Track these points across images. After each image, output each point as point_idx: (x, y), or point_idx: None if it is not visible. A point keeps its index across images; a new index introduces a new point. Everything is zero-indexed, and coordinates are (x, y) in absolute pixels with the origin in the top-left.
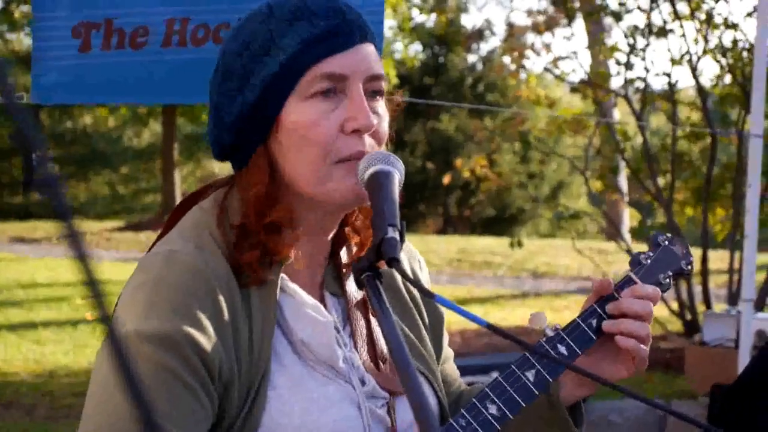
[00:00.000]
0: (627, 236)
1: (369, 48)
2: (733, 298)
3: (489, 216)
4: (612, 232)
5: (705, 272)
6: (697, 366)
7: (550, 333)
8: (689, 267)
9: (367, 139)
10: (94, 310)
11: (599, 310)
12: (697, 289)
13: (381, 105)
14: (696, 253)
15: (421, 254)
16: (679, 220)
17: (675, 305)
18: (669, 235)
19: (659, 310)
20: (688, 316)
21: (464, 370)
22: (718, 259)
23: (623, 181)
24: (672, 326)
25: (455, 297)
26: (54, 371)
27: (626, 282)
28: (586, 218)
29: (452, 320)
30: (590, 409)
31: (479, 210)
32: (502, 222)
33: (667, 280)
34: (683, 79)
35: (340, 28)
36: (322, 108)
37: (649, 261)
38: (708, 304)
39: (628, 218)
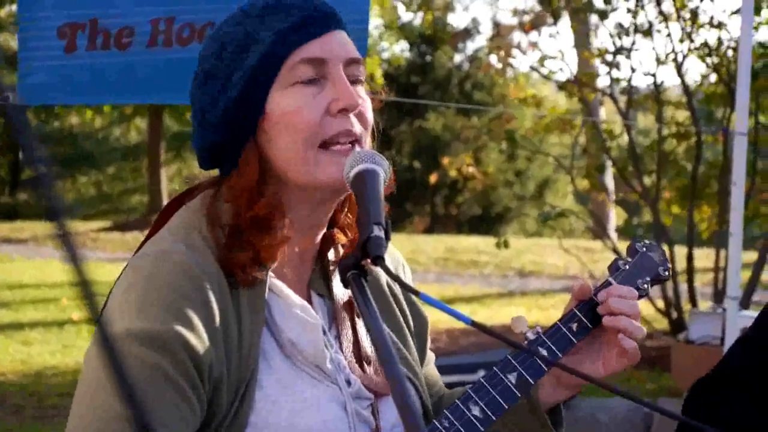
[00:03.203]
0: (613, 235)
1: (343, 34)
2: (718, 296)
3: (476, 215)
4: (598, 230)
5: (690, 270)
6: (683, 364)
7: (532, 336)
8: (666, 273)
9: (354, 120)
10: (85, 311)
11: (579, 314)
12: (683, 287)
13: (362, 90)
14: (682, 251)
15: (409, 253)
16: (665, 218)
17: (661, 303)
18: (647, 242)
19: (645, 309)
20: (674, 315)
21: (451, 369)
22: (704, 257)
23: (609, 180)
24: (658, 324)
25: (442, 296)
26: (41, 371)
27: (605, 286)
28: (573, 217)
29: (439, 319)
30: (577, 407)
31: (466, 209)
32: (488, 221)
33: (645, 285)
34: (669, 78)
35: (313, 16)
36: (305, 93)
37: (627, 267)
38: (694, 302)
39: (615, 217)
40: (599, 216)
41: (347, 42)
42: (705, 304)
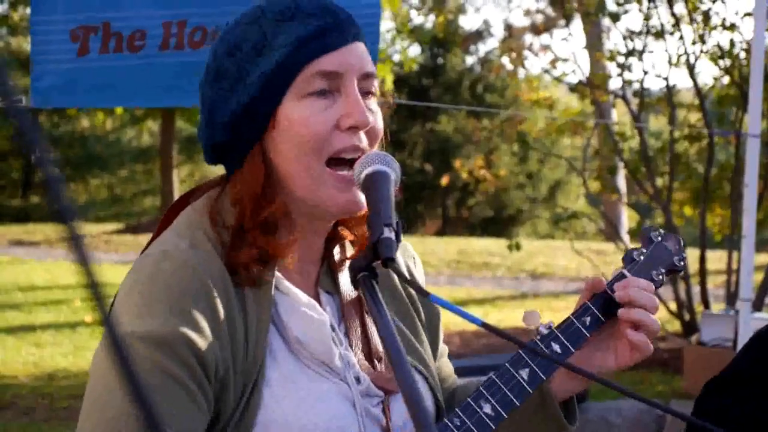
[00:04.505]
0: (625, 237)
1: (361, 47)
2: (731, 298)
3: (487, 217)
4: (610, 232)
5: (703, 272)
6: (695, 366)
7: (544, 331)
8: (682, 263)
9: (363, 136)
10: (95, 313)
11: (593, 307)
12: (696, 289)
13: (374, 103)
14: (694, 253)
15: (420, 255)
16: (678, 220)
17: (673, 305)
18: (662, 231)
19: (658, 311)
20: (687, 317)
21: (463, 371)
22: (717, 259)
23: (622, 182)
24: (670, 326)
25: (454, 298)
26: (53, 374)
27: (618, 278)
28: (585, 219)
29: (451, 321)
30: (588, 409)
31: (478, 211)
32: (500, 223)
33: (660, 276)
34: (681, 81)
35: (332, 27)
36: (317, 106)
37: (642, 257)
38: (706, 304)
39: (627, 219)
40: (611, 218)
41: (364, 55)
42: (718, 307)
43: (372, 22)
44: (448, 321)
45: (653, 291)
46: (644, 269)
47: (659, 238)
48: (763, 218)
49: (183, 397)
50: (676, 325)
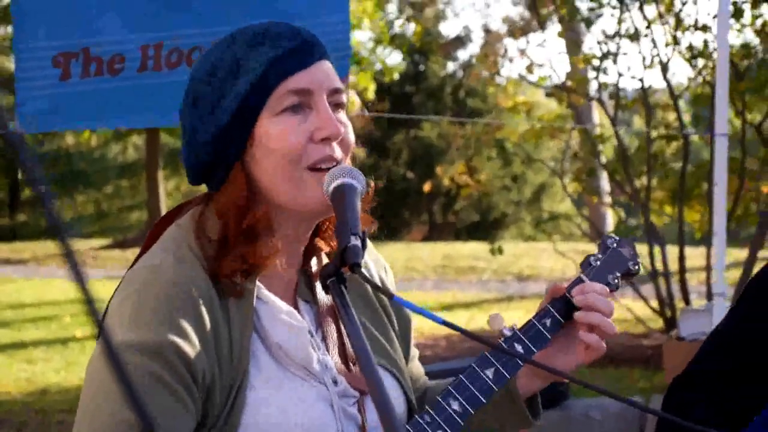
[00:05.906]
0: None
1: (327, 64)
2: (711, 293)
3: (473, 221)
4: (594, 233)
5: (682, 270)
6: (675, 361)
7: (508, 333)
8: (636, 267)
9: (336, 146)
10: (90, 324)
11: (552, 310)
12: (677, 286)
13: (344, 116)
14: (674, 250)
15: (407, 261)
16: (658, 219)
17: (655, 303)
18: (617, 238)
19: (640, 308)
20: (668, 313)
21: (449, 374)
22: (700, 256)
23: (605, 183)
24: (653, 323)
25: (440, 303)
26: (45, 389)
27: (577, 283)
28: (569, 220)
29: (437, 327)
30: (571, 406)
31: (463, 216)
32: (486, 227)
33: (616, 280)
34: (657, 81)
35: (300, 48)
36: (291, 121)
37: (598, 263)
38: (687, 300)
39: (611, 219)
40: (595, 219)
41: (330, 72)
42: (699, 302)
43: (342, 38)
44: (434, 326)
45: (608, 294)
46: (601, 274)
47: (615, 245)
48: (742, 214)
49: (172, 402)
50: (658, 323)
